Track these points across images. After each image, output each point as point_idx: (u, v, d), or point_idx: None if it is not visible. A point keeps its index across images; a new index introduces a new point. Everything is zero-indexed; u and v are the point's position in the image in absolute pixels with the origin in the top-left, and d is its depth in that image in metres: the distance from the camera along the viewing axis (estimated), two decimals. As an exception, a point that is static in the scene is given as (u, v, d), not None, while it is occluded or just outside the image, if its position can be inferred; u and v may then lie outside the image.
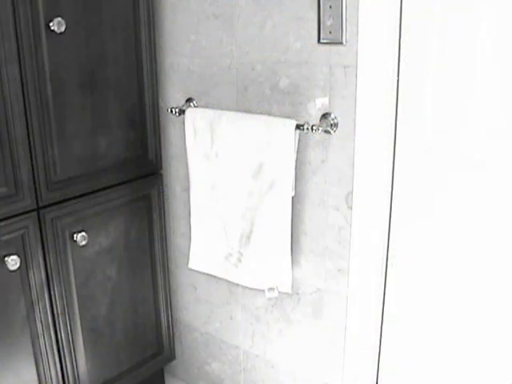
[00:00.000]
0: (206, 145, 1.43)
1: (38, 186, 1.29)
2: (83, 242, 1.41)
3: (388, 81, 1.18)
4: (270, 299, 1.56)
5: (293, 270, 1.46)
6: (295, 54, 1.31)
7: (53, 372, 1.43)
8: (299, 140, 1.31)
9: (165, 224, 1.69)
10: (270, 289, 1.43)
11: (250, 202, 1.39)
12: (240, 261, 1.47)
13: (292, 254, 1.43)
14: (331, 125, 1.28)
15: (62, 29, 1.25)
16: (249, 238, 1.43)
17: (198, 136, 1.44)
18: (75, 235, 1.39)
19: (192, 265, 1.58)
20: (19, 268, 1.28)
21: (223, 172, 1.42)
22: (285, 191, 1.33)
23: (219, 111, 1.40)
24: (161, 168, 1.64)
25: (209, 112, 1.42)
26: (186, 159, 1.49)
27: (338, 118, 1.28)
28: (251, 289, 1.56)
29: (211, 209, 1.48)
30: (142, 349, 1.71)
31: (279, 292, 1.45)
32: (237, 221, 1.44)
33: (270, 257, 1.41)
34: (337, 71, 1.25)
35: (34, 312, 1.34)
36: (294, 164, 1.31)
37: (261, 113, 1.41)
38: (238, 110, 1.46)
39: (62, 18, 1.25)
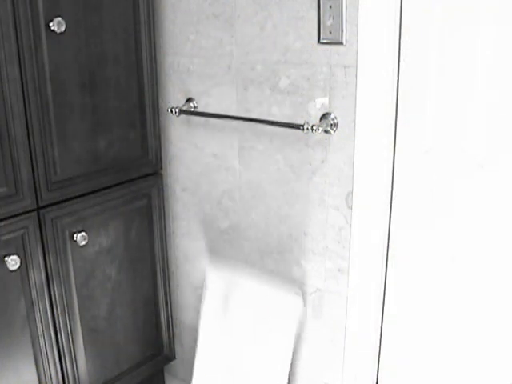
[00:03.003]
0: (219, 316, 1.54)
1: (37, 186, 1.29)
2: (83, 242, 1.41)
3: (388, 81, 1.18)
4: None
5: (293, 272, 1.47)
6: (295, 54, 1.31)
7: (53, 372, 1.43)
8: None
9: (165, 224, 1.69)
10: None
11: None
12: None
13: (292, 255, 1.43)
14: (331, 125, 1.28)
15: (62, 29, 1.25)
16: None
17: (213, 306, 1.55)
18: (75, 235, 1.39)
19: None
20: (19, 268, 1.28)
21: (233, 341, 1.52)
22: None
23: (235, 280, 1.53)
24: (161, 168, 1.64)
25: (225, 280, 1.54)
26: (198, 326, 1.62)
27: (338, 118, 1.28)
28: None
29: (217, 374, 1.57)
30: (142, 349, 1.71)
31: None
32: None
33: None
34: (337, 71, 1.25)
35: (34, 312, 1.34)
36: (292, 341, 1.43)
37: (261, 113, 1.41)
38: (238, 109, 1.45)
39: (62, 18, 1.25)
